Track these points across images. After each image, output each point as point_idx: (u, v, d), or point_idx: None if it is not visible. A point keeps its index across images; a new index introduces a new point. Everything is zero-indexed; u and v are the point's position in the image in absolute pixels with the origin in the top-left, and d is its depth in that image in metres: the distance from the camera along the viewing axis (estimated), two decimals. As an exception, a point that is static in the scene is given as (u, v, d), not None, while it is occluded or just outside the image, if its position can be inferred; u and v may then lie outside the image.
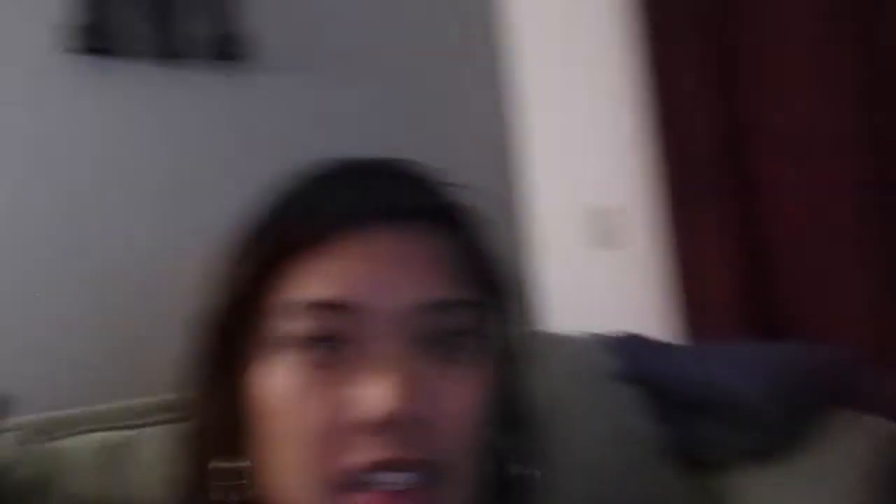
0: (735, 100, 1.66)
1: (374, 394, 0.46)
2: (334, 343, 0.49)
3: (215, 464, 0.52)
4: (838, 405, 1.24)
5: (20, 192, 1.37)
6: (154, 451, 0.95)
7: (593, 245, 1.88)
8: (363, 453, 0.47)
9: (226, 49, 1.55)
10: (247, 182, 1.48)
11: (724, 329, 1.63)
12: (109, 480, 0.91)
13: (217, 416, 0.52)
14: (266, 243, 0.52)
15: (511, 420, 0.56)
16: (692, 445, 1.24)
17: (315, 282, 0.49)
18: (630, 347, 1.35)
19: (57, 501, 0.88)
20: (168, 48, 1.50)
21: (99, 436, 0.96)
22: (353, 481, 0.47)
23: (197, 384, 0.54)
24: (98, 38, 1.44)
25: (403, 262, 0.50)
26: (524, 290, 0.60)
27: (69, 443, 0.94)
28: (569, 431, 1.08)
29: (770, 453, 1.19)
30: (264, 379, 0.50)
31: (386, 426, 0.46)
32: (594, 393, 1.22)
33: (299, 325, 0.49)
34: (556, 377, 1.18)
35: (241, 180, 1.51)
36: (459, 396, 0.50)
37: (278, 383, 0.49)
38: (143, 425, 1.01)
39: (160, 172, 1.48)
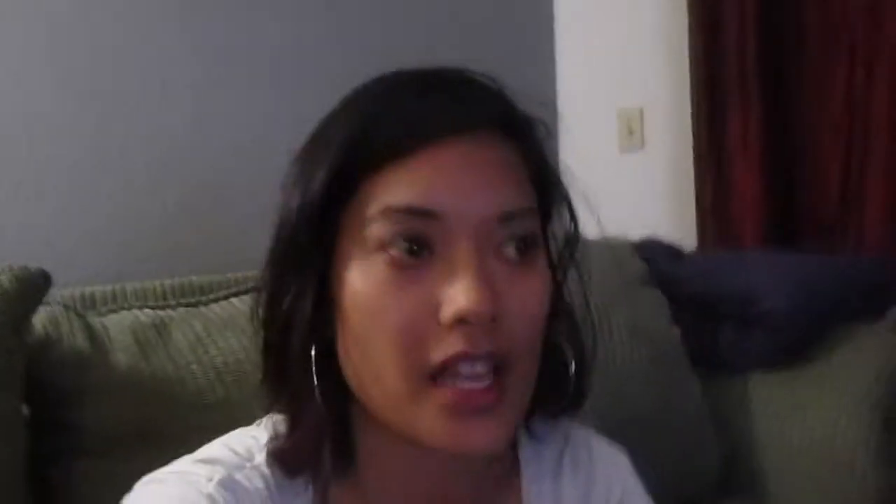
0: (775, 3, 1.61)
1: (456, 293, 0.51)
2: (419, 246, 0.53)
3: (301, 350, 0.56)
4: (862, 316, 1.25)
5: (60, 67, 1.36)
6: (186, 332, 0.98)
7: (623, 147, 1.87)
8: (444, 346, 0.52)
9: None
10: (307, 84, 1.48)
11: (747, 235, 1.63)
12: (147, 358, 0.94)
13: (303, 308, 0.56)
14: (347, 151, 0.55)
15: (561, 318, 0.61)
16: (711, 348, 1.27)
17: (401, 189, 0.53)
18: (652, 251, 1.36)
19: (95, 375, 0.92)
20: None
21: (136, 314, 0.99)
22: (435, 373, 0.52)
23: (279, 278, 0.57)
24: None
25: (481, 170, 0.54)
26: (572, 197, 0.62)
27: (107, 319, 0.97)
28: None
29: (786, 360, 1.21)
30: (354, 277, 0.54)
31: (465, 322, 0.51)
32: (616, 294, 1.23)
33: (387, 229, 0.53)
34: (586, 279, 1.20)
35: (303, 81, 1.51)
36: (527, 297, 0.54)
37: (368, 282, 0.53)
38: (177, 306, 1.03)
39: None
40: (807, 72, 1.60)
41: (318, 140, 0.57)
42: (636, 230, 1.43)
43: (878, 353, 1.17)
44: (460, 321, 0.51)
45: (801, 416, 1.16)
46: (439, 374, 0.52)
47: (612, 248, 1.30)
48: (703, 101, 1.67)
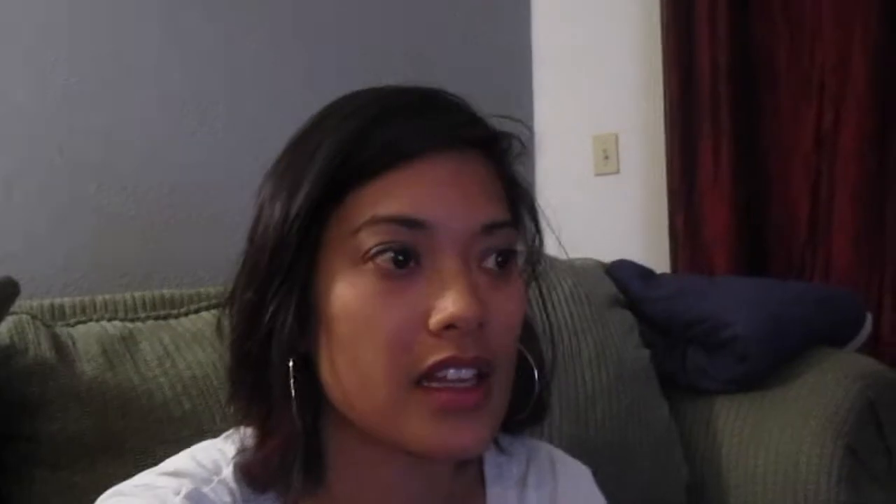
0: (747, 32, 1.64)
1: (446, 301, 0.53)
2: (405, 257, 0.54)
3: (280, 363, 0.56)
4: (827, 342, 1.27)
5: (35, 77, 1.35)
6: (154, 344, 0.98)
7: (599, 172, 1.90)
8: (433, 352, 0.53)
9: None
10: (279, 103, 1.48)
11: (719, 262, 1.66)
12: (113, 369, 0.93)
13: (285, 321, 0.56)
14: (335, 163, 0.56)
15: (524, 330, 0.62)
16: (679, 370, 1.28)
17: (389, 200, 0.55)
18: (623, 273, 1.38)
19: (60, 385, 0.91)
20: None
21: (104, 325, 0.98)
22: (421, 377, 0.54)
23: (260, 291, 0.57)
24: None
25: (465, 185, 0.56)
26: (540, 215, 0.64)
27: (75, 330, 0.96)
28: (560, 350, 1.10)
29: (751, 384, 1.23)
30: (341, 289, 0.55)
31: (453, 328, 0.53)
32: (586, 314, 1.24)
33: (375, 240, 0.54)
34: (554, 299, 1.21)
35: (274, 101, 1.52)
36: (508, 306, 0.57)
37: (356, 292, 0.54)
38: (146, 318, 1.03)
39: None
40: (777, 108, 1.63)
41: (298, 152, 0.58)
42: (611, 254, 1.44)
43: (842, 378, 1.19)
44: (449, 328, 0.53)
45: (766, 440, 1.16)
46: (425, 379, 0.53)
47: (583, 269, 1.32)
48: (676, 133, 1.70)
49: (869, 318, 1.37)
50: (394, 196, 0.54)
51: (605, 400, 1.18)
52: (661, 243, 1.76)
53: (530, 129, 0.66)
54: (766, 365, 1.21)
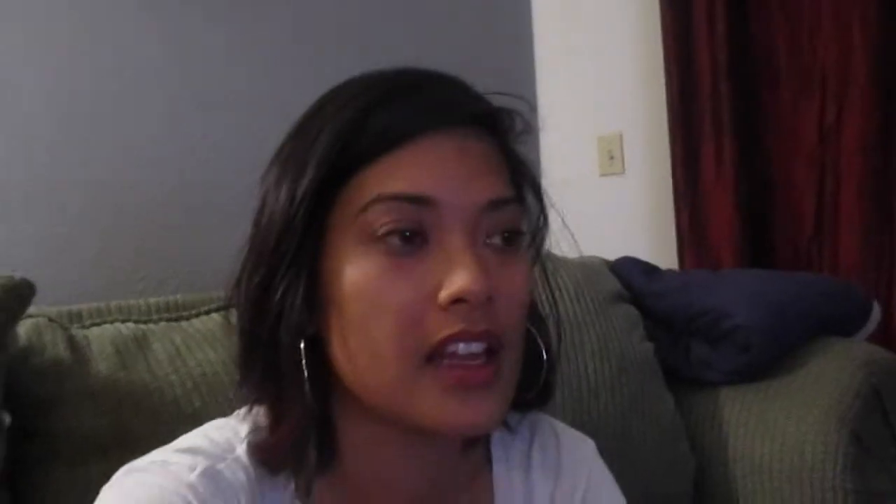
0: (746, 30, 1.65)
1: (454, 274, 0.54)
2: (413, 234, 0.55)
3: (290, 345, 0.57)
4: (833, 333, 1.28)
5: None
6: (166, 344, 1.01)
7: (601, 171, 1.91)
8: (443, 326, 0.54)
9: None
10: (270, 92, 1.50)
11: (725, 260, 1.66)
12: (126, 368, 0.96)
13: (294, 303, 0.56)
14: (338, 143, 0.57)
15: (533, 311, 0.63)
16: (683, 363, 1.29)
17: (395, 178, 0.55)
18: (627, 269, 1.39)
19: (74, 384, 0.94)
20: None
21: (118, 327, 1.01)
22: (433, 353, 0.54)
23: (268, 275, 0.58)
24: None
25: (470, 161, 0.57)
26: (545, 196, 0.65)
27: (90, 332, 0.99)
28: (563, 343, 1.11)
29: (755, 375, 1.23)
30: (351, 268, 0.56)
31: (462, 302, 0.54)
32: (588, 310, 1.26)
33: (382, 218, 0.55)
34: (557, 295, 1.22)
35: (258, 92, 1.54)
36: (515, 281, 0.58)
37: (365, 271, 0.55)
38: (158, 320, 1.05)
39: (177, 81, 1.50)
40: (779, 105, 1.63)
41: (302, 135, 0.59)
42: (618, 254, 1.45)
43: (846, 366, 1.19)
44: (458, 301, 0.54)
45: (771, 430, 1.17)
46: (437, 355, 0.54)
47: (586, 265, 1.33)
48: (678, 132, 1.71)
49: (876, 307, 1.37)
50: (398, 175, 0.55)
51: (607, 392, 1.19)
52: (669, 243, 1.76)
53: (533, 106, 0.66)
54: (769, 355, 1.22)
